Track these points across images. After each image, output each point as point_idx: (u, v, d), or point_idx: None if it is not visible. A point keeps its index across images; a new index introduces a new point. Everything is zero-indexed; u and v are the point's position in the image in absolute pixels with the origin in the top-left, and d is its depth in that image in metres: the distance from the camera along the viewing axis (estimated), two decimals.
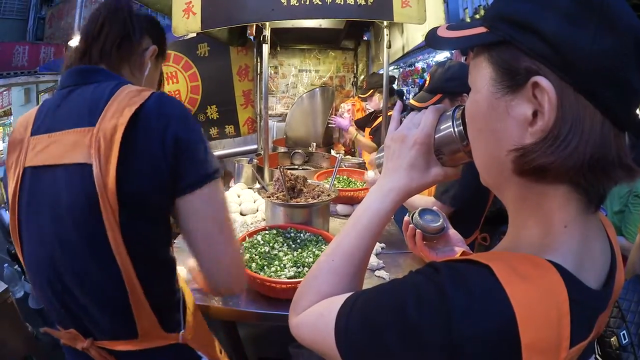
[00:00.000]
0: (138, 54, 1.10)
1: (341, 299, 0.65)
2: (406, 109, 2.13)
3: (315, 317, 0.70)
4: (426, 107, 2.25)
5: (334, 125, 4.01)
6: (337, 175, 2.57)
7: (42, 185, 0.91)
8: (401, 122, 0.81)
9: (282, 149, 3.73)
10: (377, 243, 1.88)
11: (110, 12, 1.04)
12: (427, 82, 2.25)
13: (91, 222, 0.85)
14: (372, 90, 4.08)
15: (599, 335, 0.53)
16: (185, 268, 1.43)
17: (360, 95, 4.39)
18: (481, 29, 0.58)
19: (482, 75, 0.58)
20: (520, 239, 0.59)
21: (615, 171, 0.50)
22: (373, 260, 1.70)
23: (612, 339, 1.73)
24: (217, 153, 4.36)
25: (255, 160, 2.96)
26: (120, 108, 0.87)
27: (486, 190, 1.98)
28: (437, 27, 0.66)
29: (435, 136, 0.73)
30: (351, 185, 2.62)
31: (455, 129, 0.71)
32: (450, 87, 2.10)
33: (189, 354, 1.06)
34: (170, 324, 1.02)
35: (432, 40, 0.65)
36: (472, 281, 0.51)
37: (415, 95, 2.37)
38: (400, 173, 0.75)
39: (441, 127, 0.73)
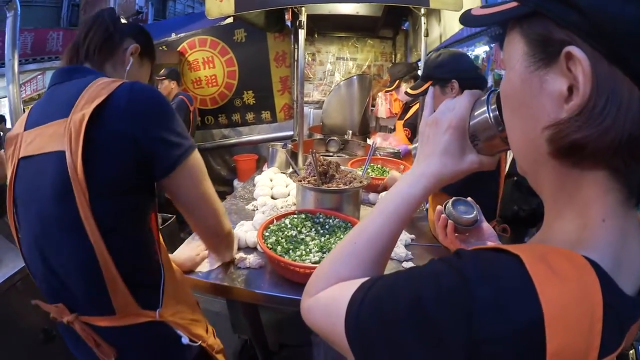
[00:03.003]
0: (119, 53, 1.20)
1: (356, 283, 0.61)
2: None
3: (327, 300, 0.66)
4: (418, 94, 2.21)
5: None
6: (372, 164, 2.52)
7: (30, 172, 1.02)
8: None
9: (317, 136, 3.70)
10: (407, 234, 1.82)
11: (94, 20, 1.17)
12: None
13: (66, 202, 0.94)
14: (397, 81, 3.97)
15: (625, 348, 0.46)
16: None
17: (387, 90, 4.30)
18: (512, 4, 0.54)
19: (515, 50, 0.55)
20: (555, 232, 0.54)
21: None
22: (401, 252, 1.64)
23: (631, 352, 1.61)
24: (252, 138, 4.38)
25: (290, 146, 2.94)
26: (90, 99, 0.95)
27: (492, 178, 1.85)
28: (471, 8, 0.64)
29: (470, 122, 0.70)
30: (385, 174, 2.53)
31: (491, 114, 0.67)
32: (439, 73, 2.06)
33: (167, 331, 1.11)
34: (147, 301, 1.06)
35: (466, 19, 0.63)
36: (499, 272, 0.46)
37: None
38: (432, 159, 0.71)
39: (476, 113, 0.70)
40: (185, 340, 1.12)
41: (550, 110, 0.50)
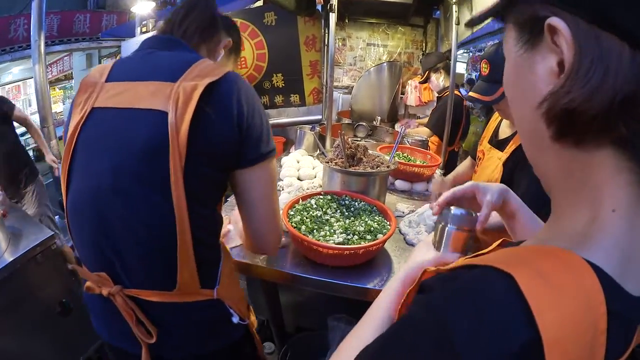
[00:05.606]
0: (214, 42, 1.26)
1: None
2: None
3: None
4: (493, 101, 1.86)
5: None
6: (398, 152, 2.49)
7: (110, 124, 0.99)
8: None
9: (346, 121, 3.68)
10: None
11: (197, 3, 1.22)
12: (485, 68, 1.84)
13: (156, 161, 0.93)
14: (427, 72, 3.91)
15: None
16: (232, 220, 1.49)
17: (419, 82, 4.24)
18: None
19: (509, 40, 0.54)
20: (560, 229, 0.50)
21: None
22: None
23: None
24: (281, 121, 4.37)
25: (318, 129, 2.92)
26: (202, 74, 0.98)
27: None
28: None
29: (431, 239, 0.92)
30: (411, 163, 2.49)
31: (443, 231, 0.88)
32: None
33: (221, 309, 1.09)
34: (207, 280, 1.04)
35: (471, 21, 0.63)
36: (483, 305, 0.41)
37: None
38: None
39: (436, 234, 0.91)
40: (235, 319, 1.10)
41: (543, 88, 0.47)
